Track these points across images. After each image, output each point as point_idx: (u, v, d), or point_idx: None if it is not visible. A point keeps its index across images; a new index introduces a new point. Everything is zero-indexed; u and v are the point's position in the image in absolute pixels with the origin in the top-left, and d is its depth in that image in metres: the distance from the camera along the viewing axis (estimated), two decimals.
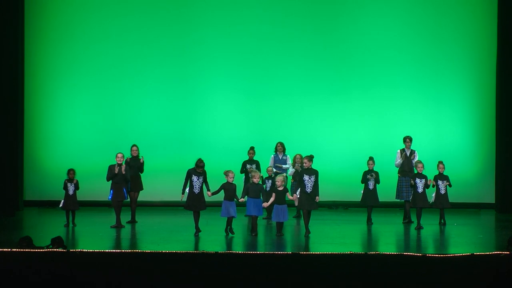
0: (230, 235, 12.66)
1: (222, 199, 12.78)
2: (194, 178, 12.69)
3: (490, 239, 12.89)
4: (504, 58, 16.57)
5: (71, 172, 14.15)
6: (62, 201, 14.02)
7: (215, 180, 13.04)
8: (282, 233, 12.68)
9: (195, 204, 12.70)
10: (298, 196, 12.73)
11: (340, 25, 17.41)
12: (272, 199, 12.59)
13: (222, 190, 12.74)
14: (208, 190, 12.78)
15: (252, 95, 17.34)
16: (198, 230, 12.66)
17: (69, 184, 14.05)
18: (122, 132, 17.00)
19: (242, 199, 12.75)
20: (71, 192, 14.01)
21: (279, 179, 12.66)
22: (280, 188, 12.61)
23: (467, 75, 17.38)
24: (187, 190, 12.75)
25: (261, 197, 12.68)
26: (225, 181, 12.75)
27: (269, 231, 13.58)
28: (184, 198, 12.81)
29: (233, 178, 12.79)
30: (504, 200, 16.54)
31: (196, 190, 12.67)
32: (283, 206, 12.62)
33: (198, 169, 12.68)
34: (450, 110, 17.36)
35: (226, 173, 12.78)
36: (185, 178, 12.77)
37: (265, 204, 12.60)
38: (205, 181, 12.79)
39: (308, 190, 12.62)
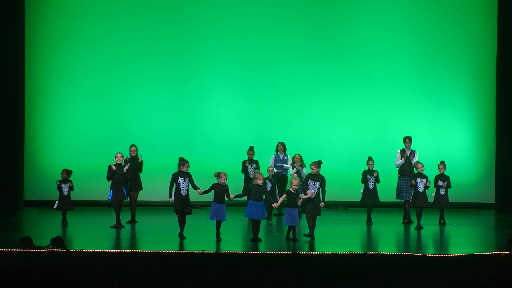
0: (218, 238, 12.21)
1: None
2: (180, 180, 12.39)
3: (490, 239, 12.90)
4: (504, 59, 16.57)
5: (63, 173, 14.00)
6: (57, 202, 13.94)
7: (214, 180, 12.95)
8: (297, 239, 12.18)
9: (181, 207, 12.38)
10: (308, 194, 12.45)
11: (341, 26, 17.40)
12: (281, 200, 12.33)
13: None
14: (198, 188, 12.35)
15: (252, 95, 17.33)
16: (181, 236, 12.27)
17: (63, 185, 13.96)
18: (122, 132, 16.98)
19: (233, 195, 12.26)
20: (65, 193, 13.92)
21: (295, 182, 12.17)
22: (294, 192, 12.17)
23: (468, 75, 17.37)
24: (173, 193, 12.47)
25: (263, 199, 12.31)
26: (216, 182, 12.30)
27: (269, 231, 13.57)
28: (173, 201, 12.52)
29: (226, 180, 12.27)
30: (504, 200, 16.54)
31: (183, 193, 12.40)
32: (296, 210, 12.19)
33: (183, 168, 12.38)
34: (450, 110, 17.35)
35: (218, 175, 12.32)
36: (170, 182, 12.44)
37: (275, 205, 12.31)
38: (191, 182, 12.47)
39: (312, 196, 12.40)
